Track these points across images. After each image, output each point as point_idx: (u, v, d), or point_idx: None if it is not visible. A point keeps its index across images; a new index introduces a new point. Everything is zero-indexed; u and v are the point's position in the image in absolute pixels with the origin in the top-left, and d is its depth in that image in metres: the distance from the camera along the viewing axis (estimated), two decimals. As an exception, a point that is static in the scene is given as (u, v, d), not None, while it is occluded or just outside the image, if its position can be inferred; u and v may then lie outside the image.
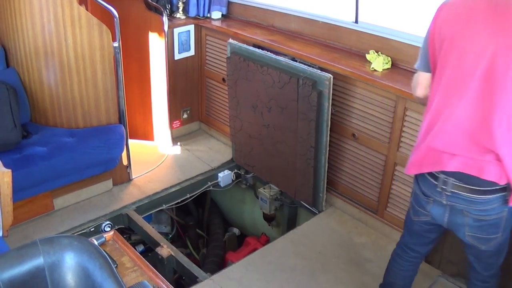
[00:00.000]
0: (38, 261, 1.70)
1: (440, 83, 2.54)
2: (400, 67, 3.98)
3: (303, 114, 4.01)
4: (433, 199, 2.71)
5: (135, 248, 3.37)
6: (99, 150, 4.21)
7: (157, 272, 2.25)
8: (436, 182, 2.63)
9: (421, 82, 2.74)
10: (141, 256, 2.34)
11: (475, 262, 2.91)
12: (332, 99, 3.92)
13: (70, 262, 1.71)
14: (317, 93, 3.86)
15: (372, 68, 3.93)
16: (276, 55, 4.22)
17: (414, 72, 3.67)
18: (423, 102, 2.77)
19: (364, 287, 3.69)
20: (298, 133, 4.14)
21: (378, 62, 3.94)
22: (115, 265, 1.88)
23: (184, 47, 5.25)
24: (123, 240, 2.41)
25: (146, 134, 5.38)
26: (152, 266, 2.34)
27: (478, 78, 2.39)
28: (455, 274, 3.65)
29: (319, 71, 3.90)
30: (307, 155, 4.15)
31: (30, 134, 4.15)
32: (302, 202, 4.51)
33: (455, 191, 2.57)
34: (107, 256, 1.77)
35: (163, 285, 2.18)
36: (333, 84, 3.88)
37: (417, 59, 2.77)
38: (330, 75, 3.83)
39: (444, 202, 2.64)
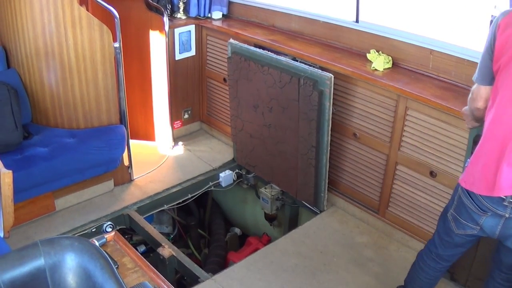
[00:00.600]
0: (39, 262, 1.70)
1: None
2: (401, 67, 3.98)
3: (304, 114, 4.01)
4: (491, 213, 2.65)
5: (136, 249, 3.38)
6: (100, 151, 4.21)
7: (158, 273, 2.25)
8: (504, 197, 2.57)
9: (482, 95, 2.70)
10: (142, 257, 2.34)
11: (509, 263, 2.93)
12: (333, 98, 3.92)
13: (71, 263, 1.71)
14: (318, 93, 3.86)
15: (373, 67, 3.94)
16: (277, 55, 4.23)
17: (415, 71, 3.69)
18: (482, 114, 2.72)
19: (366, 287, 3.69)
20: (299, 132, 4.14)
21: (379, 62, 3.94)
22: (116, 266, 1.88)
23: (185, 47, 5.25)
24: (124, 240, 2.41)
25: (147, 134, 5.38)
26: (154, 266, 2.34)
27: None
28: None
29: (320, 70, 3.89)
30: (308, 154, 4.15)
31: (31, 135, 4.15)
32: (304, 202, 4.51)
33: None
34: (108, 257, 1.76)
35: (164, 286, 2.18)
36: (334, 83, 3.87)
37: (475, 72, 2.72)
38: (331, 74, 3.83)
39: (507, 215, 2.61)
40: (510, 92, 2.48)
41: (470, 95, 2.78)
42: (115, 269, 1.73)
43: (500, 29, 2.48)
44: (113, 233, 2.43)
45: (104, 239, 2.37)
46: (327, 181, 4.26)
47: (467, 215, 2.76)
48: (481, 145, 2.64)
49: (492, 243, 3.39)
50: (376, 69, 3.93)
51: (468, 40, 3.70)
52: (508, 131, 2.49)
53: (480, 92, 2.69)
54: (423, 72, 3.89)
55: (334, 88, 3.89)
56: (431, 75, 3.87)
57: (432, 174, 3.74)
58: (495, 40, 2.51)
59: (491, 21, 2.68)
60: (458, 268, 3.71)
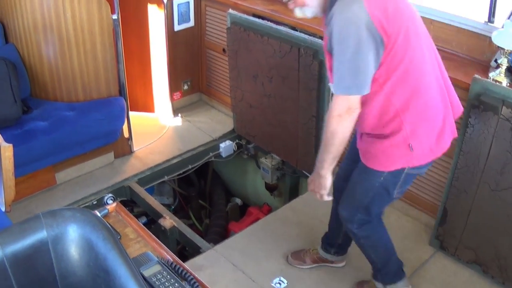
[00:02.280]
0: (41, 235, 1.70)
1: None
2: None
3: (304, 84, 4.01)
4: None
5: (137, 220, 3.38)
6: (100, 123, 4.22)
7: (161, 243, 2.26)
8: None
9: (359, 101, 2.70)
10: (145, 227, 2.35)
11: None
12: (333, 68, 3.91)
13: (73, 235, 1.71)
14: (318, 63, 3.85)
15: (373, 36, 3.92)
16: (277, 24, 4.20)
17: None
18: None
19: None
20: (299, 102, 4.13)
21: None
22: (119, 237, 1.89)
23: (183, 18, 5.22)
24: (126, 211, 2.41)
25: (146, 106, 5.38)
26: (155, 237, 2.35)
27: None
28: (471, 260, 3.67)
29: (320, 40, 3.87)
30: (308, 124, 4.15)
31: (31, 109, 4.15)
32: (304, 172, 4.52)
33: None
34: (111, 228, 1.77)
35: (167, 256, 2.18)
36: (334, 53, 3.85)
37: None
38: (330, 44, 3.81)
39: None
40: (421, 52, 2.59)
41: (345, 116, 2.64)
42: (117, 240, 1.73)
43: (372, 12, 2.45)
44: (114, 204, 2.43)
45: (106, 210, 2.37)
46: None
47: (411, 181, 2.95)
48: (419, 116, 2.69)
49: (482, 213, 3.42)
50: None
51: (468, 10, 3.70)
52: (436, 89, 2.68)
53: (358, 100, 2.62)
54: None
55: (333, 58, 3.88)
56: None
57: (432, 143, 3.75)
58: (375, 23, 2.46)
59: None
60: (447, 237, 3.73)
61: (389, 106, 2.64)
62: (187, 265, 2.15)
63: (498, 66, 3.48)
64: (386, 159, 2.78)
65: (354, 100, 2.59)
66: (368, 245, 3.22)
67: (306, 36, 3.94)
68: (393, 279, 3.40)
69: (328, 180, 2.89)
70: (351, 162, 3.15)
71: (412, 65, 2.58)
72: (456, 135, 2.86)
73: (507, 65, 3.40)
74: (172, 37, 5.14)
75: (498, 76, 3.41)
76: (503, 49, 3.36)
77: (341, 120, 2.63)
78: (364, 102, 2.64)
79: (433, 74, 2.69)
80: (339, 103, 2.60)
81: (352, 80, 2.54)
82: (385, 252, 3.32)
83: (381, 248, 3.28)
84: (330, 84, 2.64)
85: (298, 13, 2.68)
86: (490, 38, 3.46)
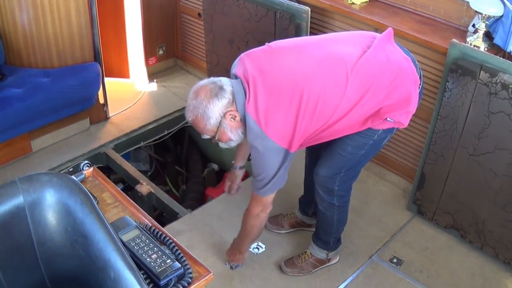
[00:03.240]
0: (18, 200, 1.68)
1: None
2: (379, 1, 3.96)
3: (281, 48, 3.98)
4: None
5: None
6: (75, 89, 4.17)
7: (139, 207, 2.25)
8: None
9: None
10: (122, 192, 2.33)
11: None
12: (310, 32, 3.88)
13: (50, 200, 1.70)
14: (294, 26, 3.82)
15: (350, 1, 3.90)
16: (253, -12, 4.17)
17: (393, 5, 3.67)
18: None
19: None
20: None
21: (356, -5, 3.92)
22: (96, 202, 1.87)
23: (158, -18, 5.16)
24: (103, 176, 2.39)
25: (121, 71, 5.33)
26: (133, 202, 2.34)
27: None
28: (449, 225, 3.69)
29: (297, 4, 3.84)
30: (285, 89, 4.13)
31: (5, 76, 4.08)
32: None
33: None
34: (88, 192, 1.75)
35: (145, 220, 2.17)
36: (311, 17, 3.82)
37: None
38: (308, 8, 3.77)
39: None
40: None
41: (261, 214, 3.08)
42: (95, 204, 1.71)
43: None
44: (91, 169, 2.41)
45: (83, 175, 2.35)
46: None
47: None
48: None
49: (460, 177, 3.44)
50: (353, 3, 3.89)
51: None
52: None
53: (272, 199, 3.02)
54: (401, 6, 3.87)
55: (310, 22, 3.84)
56: (408, 9, 3.85)
57: (409, 107, 3.75)
58: None
59: None
60: (425, 202, 3.75)
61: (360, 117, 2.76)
62: (165, 230, 2.14)
63: (476, 31, 3.48)
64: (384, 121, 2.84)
65: (270, 200, 2.99)
66: (339, 207, 3.21)
67: (283, 0, 3.91)
68: (336, 245, 3.44)
69: (246, 255, 3.44)
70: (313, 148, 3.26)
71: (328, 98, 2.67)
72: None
73: (484, 30, 3.41)
74: (147, 1, 5.08)
75: (476, 40, 3.42)
76: (481, 13, 3.36)
77: (258, 218, 3.08)
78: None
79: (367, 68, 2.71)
80: (257, 204, 3.01)
81: (275, 184, 2.87)
82: (346, 218, 3.34)
83: (345, 214, 3.31)
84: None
85: (224, 146, 2.89)
86: (467, 2, 3.45)
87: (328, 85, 2.62)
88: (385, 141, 2.94)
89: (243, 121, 2.71)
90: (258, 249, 3.59)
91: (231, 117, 2.69)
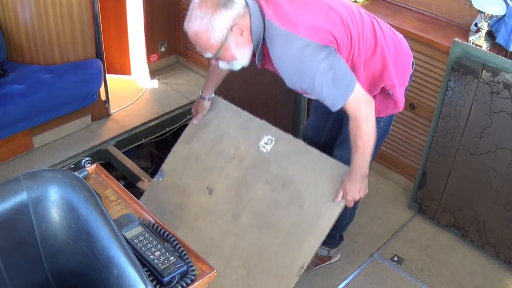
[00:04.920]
0: (21, 197, 1.68)
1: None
2: (381, -2, 3.97)
3: (283, 46, 3.98)
4: None
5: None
6: (77, 86, 4.16)
7: (142, 204, 2.25)
8: None
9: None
10: (125, 189, 2.33)
11: None
12: (312, 30, 3.88)
13: (54, 196, 1.70)
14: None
15: (353, 0, 3.91)
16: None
17: (395, 4, 3.67)
18: None
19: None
20: (277, 88, 4.11)
21: (359, -7, 3.92)
22: (99, 198, 1.87)
23: (160, -21, 5.16)
24: (106, 173, 2.39)
25: (123, 68, 5.32)
26: (136, 199, 2.34)
27: None
28: (450, 224, 3.69)
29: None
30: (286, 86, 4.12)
31: (7, 73, 4.08)
32: (282, 134, 4.51)
33: None
34: (92, 189, 1.75)
35: (149, 217, 2.17)
36: (313, 15, 3.82)
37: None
38: (309, 6, 3.77)
39: None
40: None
41: (368, 110, 2.57)
42: (99, 200, 1.72)
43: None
44: (94, 166, 2.41)
45: (86, 172, 2.35)
46: (306, 113, 4.24)
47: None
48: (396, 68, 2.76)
49: (462, 176, 3.44)
50: (356, 1, 3.89)
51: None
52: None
53: (362, 88, 2.57)
54: (403, 5, 3.87)
55: (313, 20, 3.85)
56: (411, 8, 3.85)
57: (412, 107, 3.75)
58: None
59: None
60: (427, 200, 3.76)
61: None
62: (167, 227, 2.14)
63: (478, 30, 3.48)
64: (385, 107, 2.87)
65: (359, 91, 2.51)
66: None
67: (286, -2, 3.91)
68: (338, 242, 3.44)
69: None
70: (323, 112, 3.15)
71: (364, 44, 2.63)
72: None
73: (487, 29, 3.41)
74: (149, -1, 5.08)
75: (478, 40, 3.42)
76: (483, 13, 3.36)
77: (368, 117, 2.55)
78: None
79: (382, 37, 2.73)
80: (356, 106, 2.52)
81: (341, 87, 2.48)
82: (355, 213, 3.35)
83: (355, 209, 3.30)
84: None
85: (225, 66, 2.68)
86: (470, 1, 3.46)
87: (352, 14, 2.61)
88: (386, 133, 3.00)
89: (252, 41, 2.54)
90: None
91: (239, 32, 2.47)
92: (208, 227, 3.11)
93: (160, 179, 3.41)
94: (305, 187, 2.89)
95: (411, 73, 2.89)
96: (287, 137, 3.03)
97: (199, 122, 3.40)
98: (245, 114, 3.27)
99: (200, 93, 3.38)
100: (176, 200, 3.27)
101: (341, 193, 2.78)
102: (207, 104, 3.37)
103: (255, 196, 3.01)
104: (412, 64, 2.90)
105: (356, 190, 2.77)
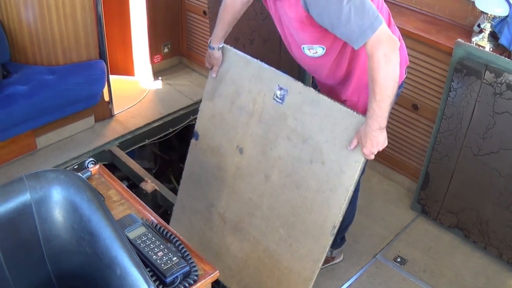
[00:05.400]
0: (24, 197, 1.69)
1: None
2: (384, 0, 3.96)
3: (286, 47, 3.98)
4: None
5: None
6: (80, 87, 4.17)
7: (145, 205, 2.25)
8: None
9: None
10: (128, 189, 2.34)
11: None
12: (315, 31, 3.88)
13: (57, 197, 1.70)
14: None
15: None
16: (258, -14, 4.15)
17: (398, 5, 3.67)
18: None
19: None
20: (280, 65, 4.09)
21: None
22: (102, 199, 1.88)
23: (163, -20, 5.17)
24: (109, 173, 2.40)
25: (127, 69, 5.33)
26: (139, 199, 2.34)
27: None
28: (453, 225, 3.69)
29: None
30: (290, 87, 4.13)
31: (11, 74, 4.09)
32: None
33: None
34: (95, 189, 1.76)
35: (151, 217, 2.18)
36: (316, 16, 3.82)
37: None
38: (312, 6, 3.77)
39: None
40: None
41: (389, 49, 2.37)
42: (102, 201, 1.72)
43: None
44: (97, 166, 2.42)
45: (89, 172, 2.36)
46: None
47: None
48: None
49: (465, 177, 3.44)
50: (359, 1, 3.89)
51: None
52: None
53: (386, 28, 2.40)
54: (406, 6, 3.87)
55: (316, 21, 3.84)
56: (414, 8, 3.85)
57: (414, 107, 3.76)
58: None
59: None
60: (430, 201, 3.75)
61: None
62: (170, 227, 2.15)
63: (481, 31, 3.48)
64: None
65: (384, 31, 2.36)
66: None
67: (289, -1, 3.91)
68: (341, 243, 3.44)
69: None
70: None
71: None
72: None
73: (490, 30, 3.41)
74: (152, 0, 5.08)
75: (481, 41, 3.42)
76: (486, 13, 3.36)
77: (387, 59, 2.36)
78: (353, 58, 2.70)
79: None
80: (377, 44, 2.34)
81: (367, 17, 2.32)
82: (354, 214, 3.35)
83: (354, 209, 3.31)
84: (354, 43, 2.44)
85: None
86: (473, 2, 3.46)
87: None
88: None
89: None
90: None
91: None
92: (246, 187, 3.12)
93: (197, 141, 3.40)
94: (324, 142, 2.78)
95: (403, 79, 2.87)
96: (298, 86, 2.88)
97: (217, 75, 3.26)
98: (254, 62, 3.09)
99: (209, 43, 3.18)
100: (214, 161, 3.30)
101: (354, 142, 2.61)
102: (218, 54, 3.18)
103: (280, 154, 2.97)
104: (405, 72, 2.90)
105: (373, 143, 2.54)
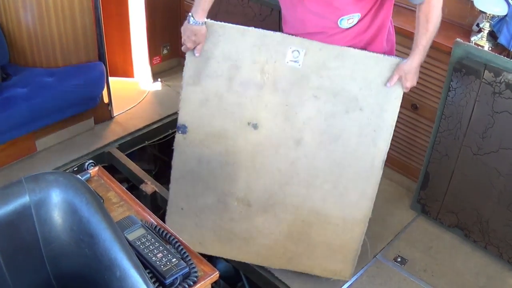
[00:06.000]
0: (23, 200, 1.68)
1: None
2: None
3: (285, 48, 3.99)
4: None
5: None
6: (79, 89, 4.16)
7: (144, 207, 2.25)
8: None
9: None
10: (127, 191, 2.34)
11: None
12: (314, 31, 3.88)
13: (56, 199, 1.70)
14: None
15: None
16: (257, -14, 4.14)
17: (397, 5, 3.67)
18: None
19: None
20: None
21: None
22: (102, 201, 1.88)
23: (162, -19, 5.17)
24: (108, 175, 2.40)
25: (126, 71, 5.33)
26: (138, 201, 2.34)
27: None
28: (453, 225, 3.69)
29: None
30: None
31: (10, 76, 4.08)
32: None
33: None
34: (94, 191, 1.76)
35: (151, 219, 2.18)
36: (315, 16, 3.82)
37: None
38: (311, 7, 3.77)
39: None
40: None
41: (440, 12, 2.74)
42: (101, 203, 1.72)
43: None
44: (96, 168, 2.42)
45: (88, 174, 2.36)
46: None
47: None
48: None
49: (464, 177, 3.44)
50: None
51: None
52: None
53: None
54: (405, 5, 3.86)
55: (314, 21, 3.84)
56: (413, 8, 3.81)
57: (414, 107, 3.76)
58: None
59: None
60: (429, 201, 3.75)
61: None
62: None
63: (480, 30, 3.48)
64: None
65: None
66: None
67: None
68: None
69: None
70: None
71: None
72: None
73: (489, 29, 3.41)
74: (151, 1, 5.08)
75: (480, 40, 3.42)
76: (485, 13, 3.36)
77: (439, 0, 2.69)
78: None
79: None
80: None
81: None
82: None
83: None
84: None
85: None
86: (472, 2, 3.45)
87: None
88: None
89: None
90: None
91: None
92: (272, 160, 3.09)
93: (185, 134, 3.18)
94: (358, 90, 2.90)
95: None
96: (316, 44, 2.88)
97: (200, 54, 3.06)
98: (255, 31, 2.98)
99: (191, 17, 2.94)
100: (219, 148, 3.16)
101: (394, 78, 2.86)
102: (205, 29, 2.97)
103: (309, 115, 2.97)
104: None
105: (415, 77, 2.89)
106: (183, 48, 3.05)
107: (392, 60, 2.86)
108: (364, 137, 2.96)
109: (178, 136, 3.21)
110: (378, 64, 2.87)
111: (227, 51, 3.01)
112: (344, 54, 2.86)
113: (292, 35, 2.91)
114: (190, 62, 3.08)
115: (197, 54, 3.01)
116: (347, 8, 2.70)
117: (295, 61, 2.91)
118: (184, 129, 3.18)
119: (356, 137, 2.96)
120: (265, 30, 2.98)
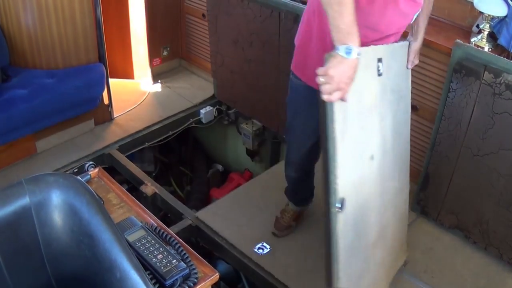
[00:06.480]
0: (24, 201, 1.69)
1: None
2: None
3: (285, 48, 3.98)
4: None
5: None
6: (79, 90, 4.18)
7: (144, 208, 2.25)
8: None
9: None
10: (128, 193, 2.34)
11: None
12: (314, 33, 3.87)
13: (56, 200, 1.70)
14: (298, 27, 3.82)
15: (355, 1, 3.90)
16: (257, -12, 4.14)
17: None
18: None
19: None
20: (280, 67, 4.12)
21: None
22: (102, 202, 1.88)
23: (162, -17, 5.17)
24: (108, 176, 2.40)
25: (126, 72, 5.34)
26: (139, 202, 2.35)
27: None
28: (453, 226, 3.69)
29: (301, 4, 3.84)
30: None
31: (10, 77, 4.10)
32: (285, 137, 4.51)
33: None
34: (94, 193, 1.76)
35: (151, 220, 2.18)
36: (315, 17, 3.82)
37: None
38: (312, 8, 3.76)
39: None
40: None
41: None
42: (101, 204, 1.72)
43: None
44: (97, 170, 2.42)
45: (89, 176, 2.37)
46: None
47: None
48: None
49: (464, 178, 3.44)
50: (357, 3, 3.89)
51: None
52: None
53: None
54: None
55: (314, 23, 3.84)
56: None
57: (414, 108, 3.75)
58: None
59: None
60: (429, 202, 3.74)
61: None
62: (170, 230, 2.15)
63: (480, 32, 3.48)
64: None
65: None
66: None
67: (287, 0, 3.91)
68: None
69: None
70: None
71: None
72: None
73: (489, 30, 3.41)
74: (151, 2, 5.08)
75: (480, 41, 3.42)
76: (485, 14, 3.36)
77: None
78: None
79: None
80: None
81: None
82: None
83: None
84: None
85: None
86: (472, 3, 3.45)
87: None
88: None
89: None
90: (263, 249, 3.57)
91: None
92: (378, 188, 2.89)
93: (342, 210, 2.45)
94: (400, 80, 3.02)
95: None
96: (387, 47, 2.73)
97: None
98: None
99: (351, 48, 2.18)
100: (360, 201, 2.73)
101: (414, 59, 3.03)
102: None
103: (390, 121, 2.89)
104: None
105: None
106: (337, 96, 2.24)
107: (406, 44, 2.97)
108: (406, 123, 3.13)
109: (332, 212, 2.47)
110: (403, 51, 2.96)
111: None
112: (395, 50, 2.89)
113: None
114: (335, 111, 2.33)
115: (348, 99, 2.31)
116: (421, 2, 2.73)
117: (380, 72, 2.64)
118: (342, 204, 2.46)
119: (405, 124, 3.13)
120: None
